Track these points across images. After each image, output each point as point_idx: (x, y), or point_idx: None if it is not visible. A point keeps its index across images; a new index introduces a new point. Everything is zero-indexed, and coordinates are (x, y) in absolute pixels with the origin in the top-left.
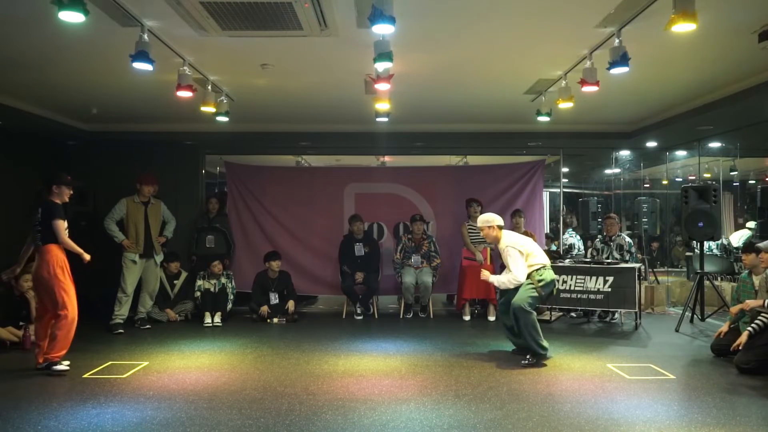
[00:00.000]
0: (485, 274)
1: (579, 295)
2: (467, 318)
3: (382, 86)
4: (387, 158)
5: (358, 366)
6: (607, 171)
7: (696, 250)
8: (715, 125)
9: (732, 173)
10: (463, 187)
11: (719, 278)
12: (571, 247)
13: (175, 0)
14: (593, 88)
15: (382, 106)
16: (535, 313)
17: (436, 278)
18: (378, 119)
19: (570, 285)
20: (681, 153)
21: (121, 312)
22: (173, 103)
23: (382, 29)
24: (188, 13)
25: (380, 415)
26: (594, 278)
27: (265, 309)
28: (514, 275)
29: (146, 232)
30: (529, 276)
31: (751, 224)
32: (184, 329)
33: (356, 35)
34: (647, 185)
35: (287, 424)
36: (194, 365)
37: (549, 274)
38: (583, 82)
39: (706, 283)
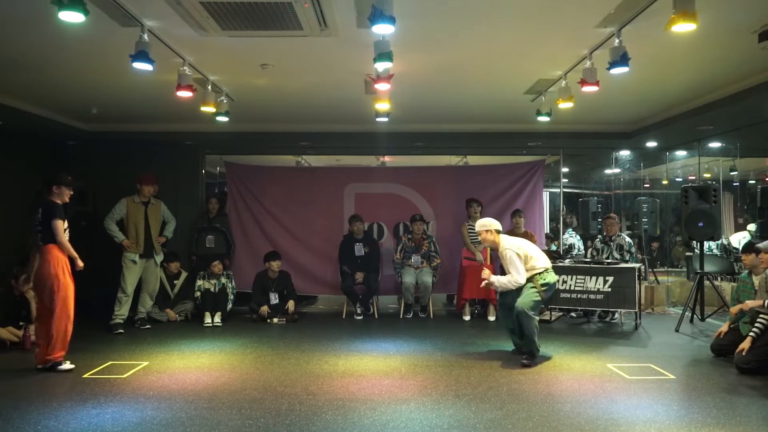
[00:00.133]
0: (486, 273)
1: (579, 295)
2: (467, 318)
3: (382, 86)
4: (387, 158)
5: (358, 366)
6: (607, 171)
7: (696, 250)
8: (715, 125)
9: (732, 173)
10: (463, 187)
11: (719, 278)
12: (571, 247)
13: (175, 0)
14: (593, 88)
15: (382, 106)
16: (537, 318)
17: (436, 278)
18: (378, 119)
19: (570, 285)
20: (681, 153)
21: (121, 312)
22: (173, 103)
23: (382, 29)
24: (188, 13)
25: (380, 415)
26: (594, 278)
27: (265, 309)
28: (513, 277)
29: (146, 232)
30: (531, 280)
31: (752, 227)
32: (184, 329)
33: (356, 35)
34: (647, 185)
35: (287, 424)
36: (194, 365)
37: (551, 278)
38: (583, 82)
39: (706, 283)
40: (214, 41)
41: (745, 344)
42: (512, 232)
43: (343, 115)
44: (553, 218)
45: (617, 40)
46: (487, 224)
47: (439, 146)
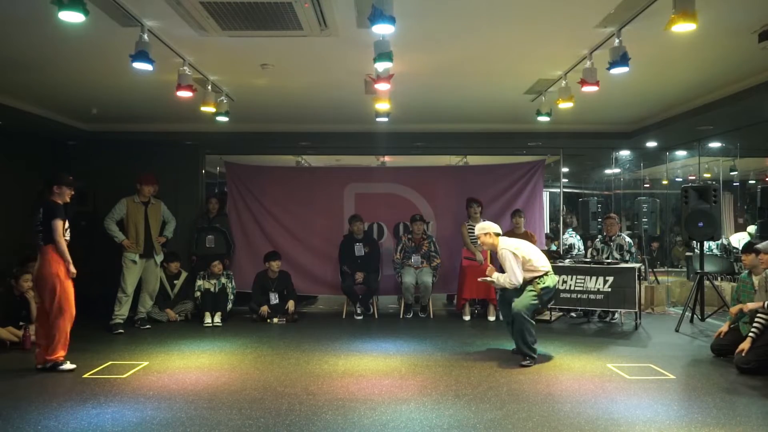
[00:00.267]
0: (490, 269)
1: (579, 295)
2: (467, 318)
3: (382, 86)
4: (387, 158)
5: (358, 366)
6: (607, 171)
7: (696, 250)
8: (715, 125)
9: (732, 173)
10: (463, 187)
11: (719, 278)
12: (571, 247)
13: (175, 0)
14: (593, 88)
15: (382, 106)
16: (533, 322)
17: (436, 278)
18: (378, 119)
19: (570, 285)
20: (681, 153)
21: (121, 312)
22: (173, 103)
23: (382, 29)
24: (188, 13)
25: (380, 415)
26: (594, 278)
27: (265, 309)
28: (508, 277)
29: (146, 232)
30: (530, 283)
31: (752, 229)
32: (184, 329)
33: (356, 35)
34: (647, 185)
35: (287, 424)
36: (194, 365)
37: (552, 281)
38: (583, 82)
39: (706, 283)
40: (214, 41)
41: (745, 344)
42: (512, 232)
43: (343, 115)
44: (553, 218)
45: (617, 40)
46: (486, 228)
47: (439, 146)
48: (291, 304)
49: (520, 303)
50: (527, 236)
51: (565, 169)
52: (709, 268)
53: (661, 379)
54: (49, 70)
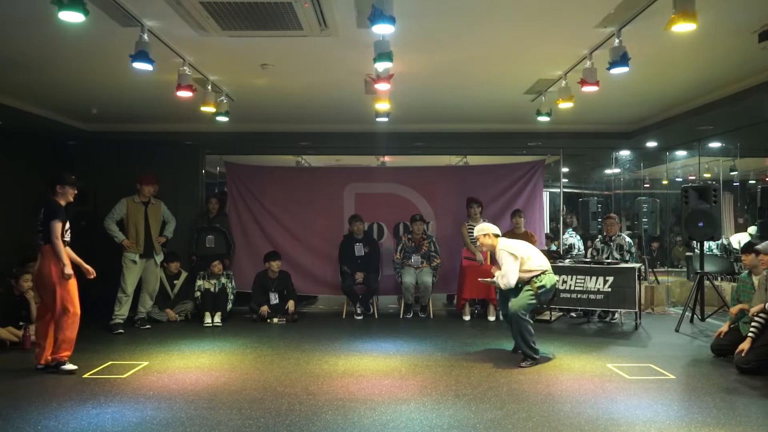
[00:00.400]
0: (494, 269)
1: (579, 295)
2: (467, 318)
3: (382, 86)
4: (387, 158)
5: (358, 366)
6: (607, 171)
7: (696, 250)
8: (715, 125)
9: (732, 173)
10: (463, 187)
11: (719, 278)
12: (571, 247)
13: (175, 0)
14: (593, 88)
15: (382, 106)
16: (530, 321)
17: (436, 278)
18: (378, 119)
19: (570, 285)
20: (681, 153)
21: (121, 312)
22: (173, 103)
23: (382, 29)
24: (188, 13)
25: (380, 415)
26: (594, 278)
27: (265, 309)
28: (502, 277)
29: (146, 232)
30: (528, 282)
31: (752, 230)
32: (184, 329)
33: (356, 35)
34: (647, 185)
35: (287, 424)
36: (194, 365)
37: (549, 280)
38: (583, 82)
39: (706, 283)
40: (214, 41)
41: (745, 345)
42: (512, 232)
43: (343, 115)
44: (553, 218)
45: (617, 40)
46: (484, 229)
47: (439, 146)
48: (291, 304)
49: (516, 303)
50: (527, 236)
51: (565, 169)
52: (709, 268)
53: (661, 379)
54: (49, 70)
